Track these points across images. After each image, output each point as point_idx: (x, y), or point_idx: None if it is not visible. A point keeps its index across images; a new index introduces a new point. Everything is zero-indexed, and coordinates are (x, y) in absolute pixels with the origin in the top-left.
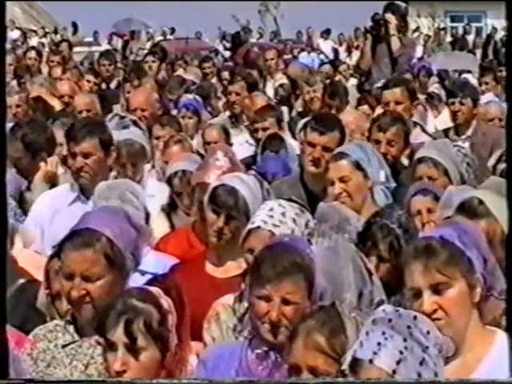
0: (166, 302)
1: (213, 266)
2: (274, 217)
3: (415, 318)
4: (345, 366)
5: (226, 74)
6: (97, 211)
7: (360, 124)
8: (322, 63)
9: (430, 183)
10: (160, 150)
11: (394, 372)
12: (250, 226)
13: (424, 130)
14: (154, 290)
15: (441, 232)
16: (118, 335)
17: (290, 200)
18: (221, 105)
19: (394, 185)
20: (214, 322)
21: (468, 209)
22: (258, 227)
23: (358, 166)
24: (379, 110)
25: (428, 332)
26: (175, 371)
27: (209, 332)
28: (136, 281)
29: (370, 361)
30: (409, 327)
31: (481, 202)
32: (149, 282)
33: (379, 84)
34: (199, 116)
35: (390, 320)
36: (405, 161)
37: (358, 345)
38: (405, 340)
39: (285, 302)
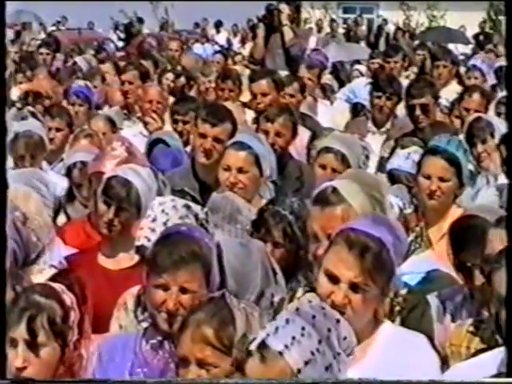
0: (68, 298)
1: (105, 257)
2: (156, 231)
3: (338, 321)
4: (252, 347)
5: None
6: None
7: (238, 116)
8: (216, 52)
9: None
10: (69, 143)
11: (299, 371)
12: (136, 242)
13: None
14: (57, 286)
15: (378, 231)
16: (20, 332)
17: (181, 191)
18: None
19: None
20: (123, 311)
21: (321, 198)
22: (142, 245)
23: (256, 161)
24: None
25: (345, 338)
26: (75, 367)
27: (118, 320)
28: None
29: (280, 353)
30: (329, 330)
31: (334, 189)
32: (52, 278)
33: None
34: (90, 103)
35: (314, 316)
36: (293, 151)
37: (273, 330)
38: (320, 342)
39: (182, 290)
